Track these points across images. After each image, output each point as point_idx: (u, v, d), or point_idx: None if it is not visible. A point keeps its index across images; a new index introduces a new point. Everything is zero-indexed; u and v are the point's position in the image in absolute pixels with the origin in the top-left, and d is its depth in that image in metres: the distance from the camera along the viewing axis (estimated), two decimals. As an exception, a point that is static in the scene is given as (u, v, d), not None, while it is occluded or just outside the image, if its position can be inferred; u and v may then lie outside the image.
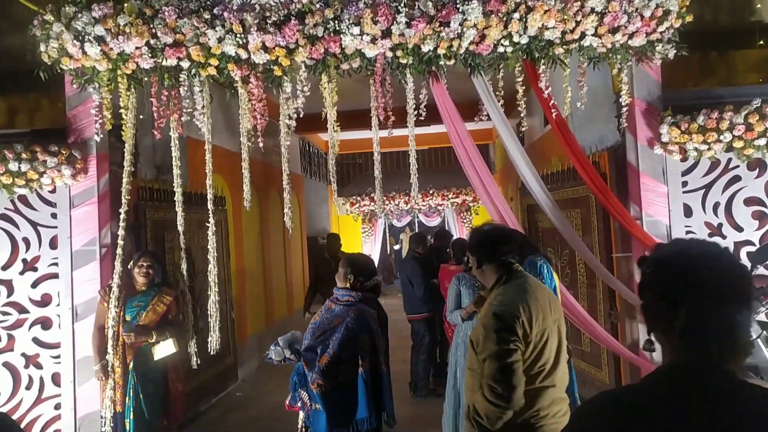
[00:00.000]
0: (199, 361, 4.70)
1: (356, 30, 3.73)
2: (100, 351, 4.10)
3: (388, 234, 15.16)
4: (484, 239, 2.47)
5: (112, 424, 4.04)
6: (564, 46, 3.93)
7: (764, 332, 4.00)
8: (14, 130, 4.50)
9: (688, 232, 4.47)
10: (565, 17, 3.68)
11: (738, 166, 4.43)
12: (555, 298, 2.42)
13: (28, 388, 4.41)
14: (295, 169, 10.05)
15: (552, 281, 3.60)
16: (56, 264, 4.47)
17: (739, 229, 4.43)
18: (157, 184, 5.28)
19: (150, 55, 3.82)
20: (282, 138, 4.38)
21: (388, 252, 15.66)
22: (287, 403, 3.20)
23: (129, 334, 4.04)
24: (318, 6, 3.73)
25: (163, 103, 4.14)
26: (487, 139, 12.18)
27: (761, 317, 4.10)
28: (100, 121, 4.16)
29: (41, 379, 4.45)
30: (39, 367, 4.45)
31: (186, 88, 4.08)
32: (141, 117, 4.23)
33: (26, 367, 4.42)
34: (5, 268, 4.36)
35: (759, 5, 5.40)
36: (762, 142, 4.20)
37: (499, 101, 4.33)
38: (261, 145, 4.27)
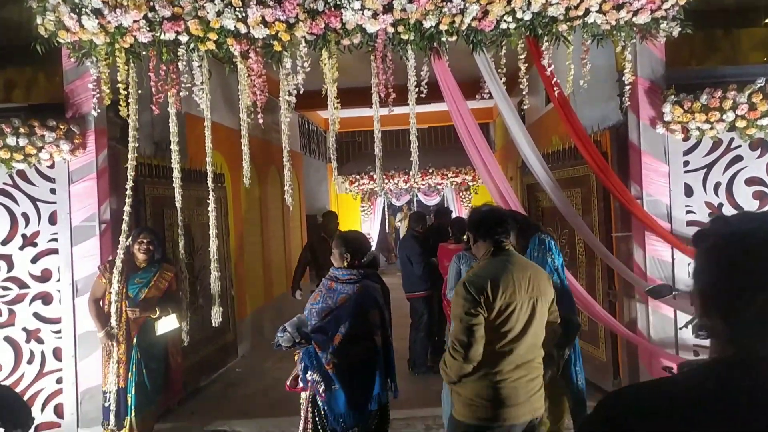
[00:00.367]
0: (189, 339, 4.72)
1: (357, 4, 3.68)
2: (100, 319, 4.13)
3: (387, 213, 15.17)
4: (482, 219, 2.75)
5: (129, 393, 4.09)
6: (568, 23, 3.89)
7: None
8: (11, 104, 4.46)
9: (688, 212, 4.47)
10: (570, -7, 3.63)
11: (740, 146, 4.41)
12: (542, 278, 2.63)
13: (29, 362, 4.44)
14: (294, 146, 10.00)
15: (559, 257, 3.61)
16: (56, 239, 4.47)
17: (740, 209, 4.42)
18: (156, 160, 5.25)
19: (148, 28, 3.77)
20: (282, 114, 4.35)
21: (387, 231, 15.66)
22: (288, 384, 3.17)
23: (134, 309, 4.08)
24: (318, -21, 3.67)
25: (162, 78, 4.09)
26: (487, 118, 12.12)
27: None
28: (98, 95, 4.11)
29: (42, 353, 4.48)
30: (40, 341, 4.47)
31: (185, 63, 4.04)
32: (140, 92, 4.19)
33: (27, 341, 4.44)
34: (5, 243, 4.35)
35: (765, -17, 5.32)
36: (765, 122, 4.17)
37: (500, 79, 4.29)
38: (261, 121, 4.24)
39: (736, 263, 0.92)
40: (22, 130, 4.12)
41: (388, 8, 3.72)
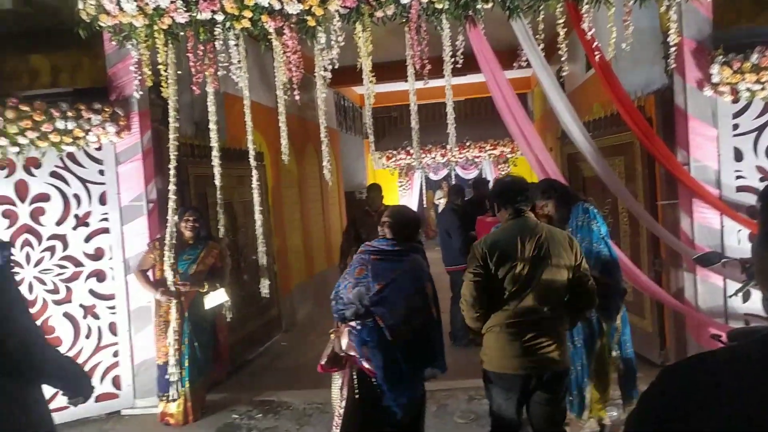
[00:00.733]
0: (236, 314, 4.87)
1: (391, -26, 3.63)
2: (152, 284, 4.32)
3: (425, 188, 15.10)
4: (503, 188, 3.00)
5: (177, 369, 4.28)
6: (609, -17, 3.75)
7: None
8: (58, 89, 4.61)
9: (738, 177, 4.31)
10: (611, -49, 3.49)
11: (794, 107, 4.20)
12: (557, 243, 2.80)
13: (87, 337, 4.67)
14: (330, 123, 10.03)
15: (604, 226, 3.55)
16: (106, 219, 4.64)
17: (794, 173, 4.24)
18: (197, 140, 5.36)
19: (185, 9, 3.83)
20: (317, 90, 4.36)
21: (425, 205, 15.61)
22: (322, 365, 3.06)
23: (185, 283, 4.25)
24: (351, -49, 3.64)
25: (200, 58, 4.16)
26: (524, 88, 11.85)
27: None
28: (140, 78, 4.22)
29: (99, 328, 4.70)
30: (96, 317, 4.69)
31: (221, 43, 4.09)
32: (179, 73, 4.27)
33: (84, 317, 4.66)
34: (59, 223, 4.54)
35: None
36: (822, 79, 3.96)
37: (539, 46, 4.18)
38: (297, 98, 4.26)
39: None
40: (69, 113, 4.27)
41: (421, -23, 3.66)
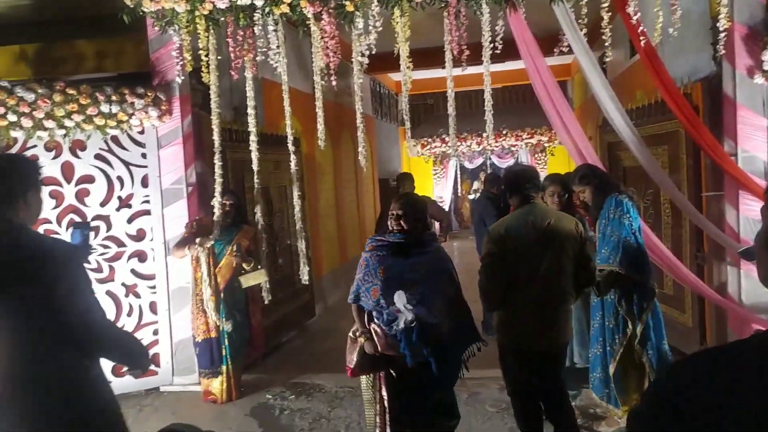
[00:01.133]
0: (271, 297, 4.94)
1: (430, -42, 3.58)
2: (183, 243, 4.43)
3: (459, 176, 14.98)
4: (514, 176, 3.24)
5: (223, 344, 4.42)
6: (657, -35, 3.62)
7: None
8: (103, 74, 4.73)
9: (789, 169, 4.13)
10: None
11: None
12: (562, 230, 3.01)
13: (128, 315, 4.82)
14: (366, 110, 10.01)
15: (637, 220, 3.47)
16: (148, 201, 4.76)
17: None
18: (235, 125, 5.43)
19: (226, -6, 3.86)
20: (354, 76, 4.36)
21: (460, 194, 15.49)
22: (351, 369, 3.02)
23: (236, 254, 4.40)
24: (391, -66, 3.60)
25: (239, 43, 4.20)
26: (564, 76, 11.61)
27: None
28: (181, 63, 4.28)
29: (140, 307, 4.84)
30: (137, 296, 4.83)
31: (260, 28, 4.12)
32: (218, 58, 4.32)
33: (126, 296, 4.81)
34: (103, 204, 4.68)
35: None
36: None
37: (581, 30, 4.07)
38: (334, 83, 4.27)
39: None
40: (114, 97, 4.38)
41: (462, -40, 3.60)
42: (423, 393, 2.91)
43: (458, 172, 14.66)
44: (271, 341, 5.71)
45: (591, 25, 4.05)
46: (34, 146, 4.44)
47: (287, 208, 6.11)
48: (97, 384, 2.14)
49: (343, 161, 8.92)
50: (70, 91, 4.28)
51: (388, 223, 3.00)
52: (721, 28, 3.86)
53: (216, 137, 4.39)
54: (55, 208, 4.54)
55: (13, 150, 4.37)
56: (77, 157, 4.59)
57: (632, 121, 4.36)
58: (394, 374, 2.94)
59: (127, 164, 4.71)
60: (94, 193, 4.64)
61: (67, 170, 4.58)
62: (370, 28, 3.99)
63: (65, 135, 4.38)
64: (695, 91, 4.58)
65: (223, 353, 4.45)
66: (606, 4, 3.83)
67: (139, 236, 4.80)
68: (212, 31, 4.20)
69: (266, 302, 4.82)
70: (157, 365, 4.85)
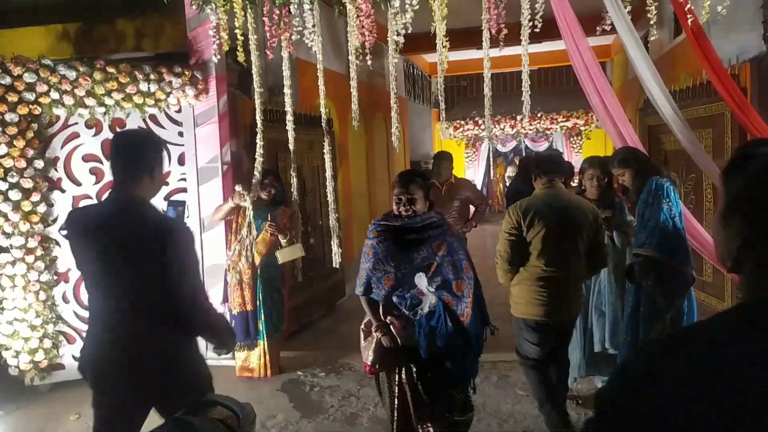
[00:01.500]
0: (301, 276, 5.00)
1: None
2: (221, 207, 4.47)
3: (492, 160, 14.81)
4: (541, 160, 3.53)
5: (260, 319, 4.49)
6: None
7: None
8: (141, 53, 4.80)
9: (842, 155, 3.94)
10: None
11: None
12: (579, 213, 3.18)
13: (164, 290, 4.91)
14: (399, 91, 9.97)
15: (678, 206, 3.37)
16: (184, 179, 4.83)
17: None
18: (270, 105, 5.45)
19: (262, -28, 3.85)
20: (389, 55, 4.33)
21: (492, 177, 15.31)
22: (370, 364, 2.90)
23: (272, 224, 4.40)
24: None
25: (275, 22, 4.19)
26: (604, 57, 11.29)
27: None
28: (218, 42, 4.31)
29: (175, 283, 4.93)
30: (173, 272, 4.92)
31: (296, 7, 4.10)
32: (255, 37, 4.33)
33: (162, 272, 4.90)
34: (141, 182, 4.77)
35: None
36: None
37: (624, 7, 3.94)
38: (369, 63, 4.24)
39: None
40: (152, 76, 4.44)
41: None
42: (442, 387, 2.80)
43: (491, 156, 14.49)
44: (302, 318, 5.78)
45: (634, 4, 3.92)
46: (75, 123, 4.54)
47: (320, 188, 6.14)
48: (197, 364, 2.29)
49: (375, 143, 8.90)
50: (110, 70, 4.35)
51: (394, 208, 2.82)
52: (774, 6, 3.69)
53: (258, 116, 4.42)
54: (95, 184, 4.64)
55: (55, 127, 4.48)
56: (117, 134, 4.67)
57: (675, 103, 4.22)
58: (414, 369, 2.79)
59: (164, 142, 4.77)
60: (132, 170, 4.73)
61: (107, 148, 4.66)
62: (407, 6, 3.93)
63: (105, 113, 4.46)
64: (743, 71, 4.41)
65: (260, 328, 4.51)
66: (652, -19, 3.70)
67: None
68: (249, 9, 4.20)
69: (299, 280, 4.88)
70: (192, 340, 4.96)
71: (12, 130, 4.16)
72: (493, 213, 14.95)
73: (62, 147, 4.52)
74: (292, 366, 4.84)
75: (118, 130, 4.64)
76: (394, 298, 2.75)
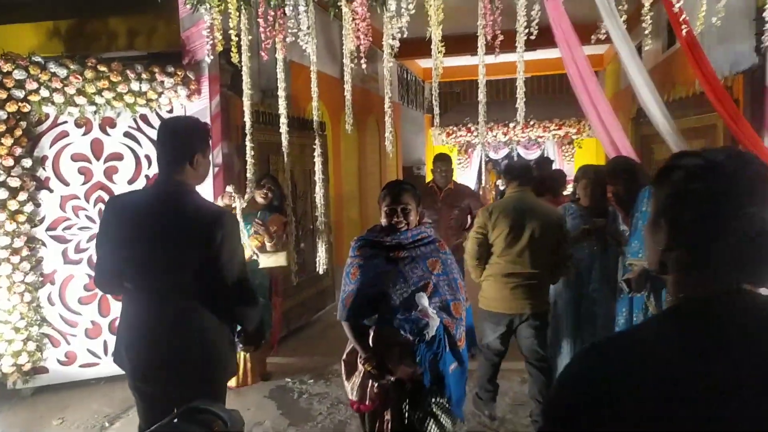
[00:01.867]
0: (298, 280, 4.94)
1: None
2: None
3: (484, 166, 14.83)
4: (511, 167, 3.79)
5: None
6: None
7: None
8: (134, 52, 4.74)
9: (833, 167, 3.97)
10: None
11: None
12: (540, 218, 3.46)
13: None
14: (393, 96, 9.96)
15: None
16: (174, 181, 4.76)
17: None
18: (262, 107, 5.42)
19: (258, -28, 3.82)
20: (384, 60, 4.31)
21: (483, 184, 15.34)
22: (356, 400, 2.59)
23: (259, 221, 4.31)
24: None
25: (269, 24, 4.16)
26: (597, 66, 11.37)
27: None
28: (211, 42, 4.27)
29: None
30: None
31: (291, 9, 4.07)
32: (249, 38, 4.29)
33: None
34: (131, 182, 4.70)
35: None
36: None
37: (620, 16, 3.95)
38: (364, 66, 4.22)
39: (711, 190, 0.93)
40: (144, 75, 4.38)
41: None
42: (435, 418, 2.51)
43: (483, 162, 14.52)
44: (291, 323, 5.72)
45: (629, 12, 3.93)
46: (65, 122, 4.47)
47: (311, 192, 6.10)
48: (232, 351, 2.33)
49: (367, 147, 8.88)
50: (102, 68, 4.30)
51: (385, 221, 2.56)
52: (767, 19, 3.71)
53: (247, 118, 4.37)
54: (84, 184, 4.57)
55: (44, 126, 4.41)
56: (107, 134, 4.60)
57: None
58: (406, 404, 2.49)
59: (155, 143, 4.71)
60: (122, 170, 4.66)
61: (97, 147, 4.60)
62: (403, 10, 3.92)
63: (95, 112, 4.40)
64: (736, 83, 4.43)
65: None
66: (649, -10, 3.71)
67: (165, 215, 4.81)
68: (243, 10, 4.17)
69: (294, 284, 4.81)
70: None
71: (0, 128, 4.09)
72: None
73: (51, 146, 4.45)
74: (280, 373, 4.79)
75: (108, 129, 4.59)
76: (396, 322, 2.38)
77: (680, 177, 0.97)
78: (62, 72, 4.18)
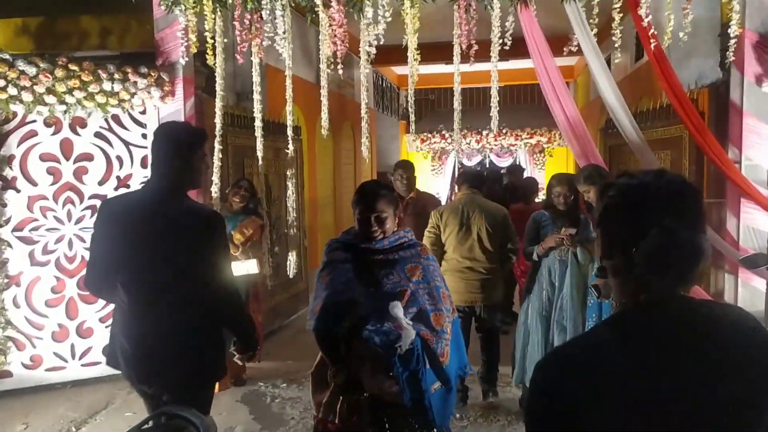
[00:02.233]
0: (271, 284, 4.91)
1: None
2: None
3: (458, 173, 14.98)
4: (464, 173, 4.33)
5: None
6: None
7: None
8: (106, 52, 4.67)
9: (791, 179, 4.13)
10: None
11: None
12: (486, 215, 3.94)
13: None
14: (368, 102, 10.01)
15: None
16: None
17: None
18: (237, 110, 5.38)
19: (235, -25, 3.81)
20: (361, 66, 4.33)
21: (456, 190, 15.49)
22: (325, 419, 2.35)
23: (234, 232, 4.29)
24: None
25: (246, 27, 4.15)
26: (567, 78, 11.61)
27: None
28: (186, 44, 4.23)
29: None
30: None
31: (268, 12, 4.07)
32: (225, 41, 4.28)
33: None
34: (101, 183, 4.62)
35: None
36: None
37: (591, 30, 4.06)
38: (341, 71, 4.24)
39: (633, 204, 1.06)
40: (116, 76, 4.31)
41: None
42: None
43: (456, 169, 14.64)
44: (264, 329, 5.68)
45: (600, 25, 4.04)
46: (34, 121, 4.38)
47: (285, 196, 6.08)
48: (222, 353, 2.38)
49: (342, 153, 8.89)
50: (73, 67, 4.22)
51: (357, 228, 2.39)
52: (732, 35, 3.85)
53: (218, 120, 4.34)
54: (52, 184, 4.47)
55: (12, 124, 4.31)
56: (77, 134, 4.52)
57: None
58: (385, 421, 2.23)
59: (127, 144, 4.64)
60: (92, 171, 4.58)
61: (66, 147, 4.52)
62: (379, 18, 3.95)
63: (65, 111, 4.31)
64: (702, 97, 4.57)
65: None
66: (618, 5, 3.82)
67: (136, 217, 4.74)
68: (219, 13, 4.15)
69: (269, 287, 4.77)
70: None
71: (-36, 126, 3.99)
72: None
73: (18, 145, 4.35)
74: (252, 377, 4.75)
75: (78, 129, 4.50)
76: (365, 333, 2.16)
77: (612, 193, 1.10)
78: (31, 70, 4.10)
